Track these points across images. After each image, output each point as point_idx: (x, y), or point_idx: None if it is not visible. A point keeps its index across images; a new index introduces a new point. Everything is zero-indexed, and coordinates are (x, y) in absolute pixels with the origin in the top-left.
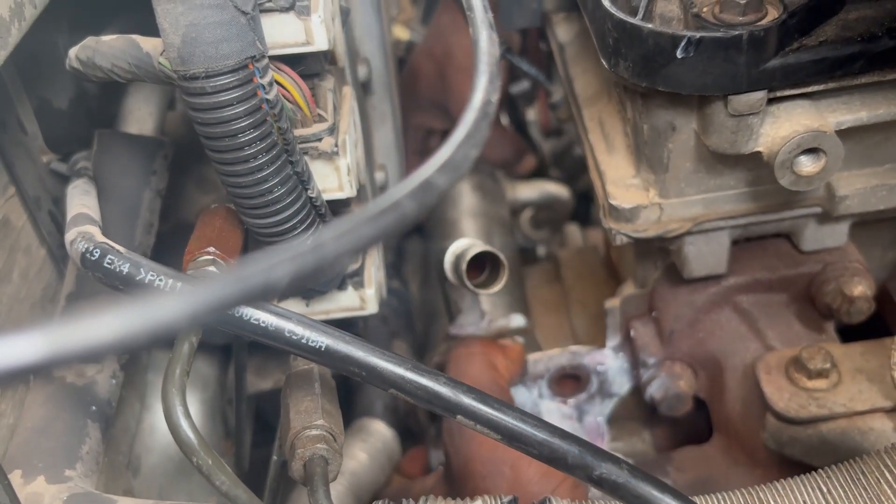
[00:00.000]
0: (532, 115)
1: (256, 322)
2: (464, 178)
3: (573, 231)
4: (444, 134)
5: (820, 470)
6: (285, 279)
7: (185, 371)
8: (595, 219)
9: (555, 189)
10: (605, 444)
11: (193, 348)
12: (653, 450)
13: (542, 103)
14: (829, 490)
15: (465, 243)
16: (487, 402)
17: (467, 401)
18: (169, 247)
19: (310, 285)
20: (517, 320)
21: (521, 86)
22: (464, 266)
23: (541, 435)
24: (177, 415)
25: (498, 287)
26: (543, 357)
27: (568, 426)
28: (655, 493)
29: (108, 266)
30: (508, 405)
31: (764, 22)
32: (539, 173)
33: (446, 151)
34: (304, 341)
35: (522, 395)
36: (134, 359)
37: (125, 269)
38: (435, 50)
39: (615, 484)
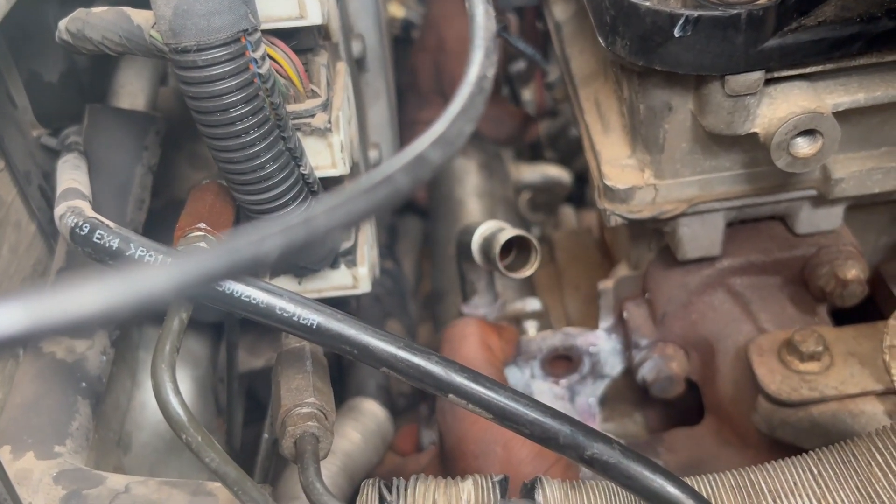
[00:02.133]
0: (528, 95)
1: (248, 299)
2: (470, 157)
3: (567, 213)
4: None
5: (811, 452)
6: (275, 252)
7: (175, 347)
8: (589, 201)
9: (556, 173)
10: (596, 425)
11: (184, 324)
12: (644, 431)
13: (537, 83)
14: (819, 472)
15: (494, 226)
16: (479, 381)
17: (459, 380)
18: (160, 223)
19: (302, 262)
20: (533, 304)
21: (517, 66)
22: (497, 250)
23: (532, 414)
24: (166, 391)
25: (531, 271)
26: (536, 338)
27: (560, 407)
28: (647, 474)
29: (98, 241)
30: (500, 384)
31: (763, 1)
32: (534, 154)
33: (441, 126)
34: (295, 319)
35: (515, 376)
36: (125, 335)
37: (115, 244)
38: (429, 42)
39: (606, 464)
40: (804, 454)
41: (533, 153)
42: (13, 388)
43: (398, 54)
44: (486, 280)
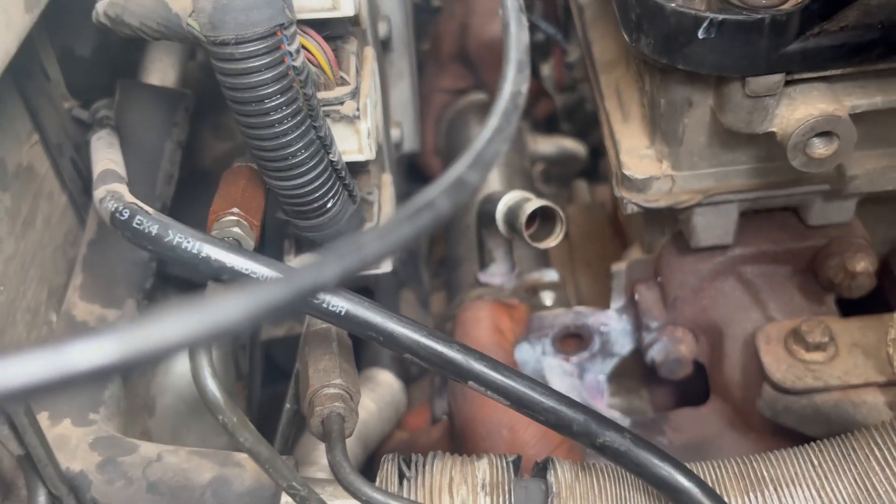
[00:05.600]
0: (546, 70)
1: None
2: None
3: (581, 187)
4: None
5: (812, 443)
6: (334, 280)
7: None
8: (603, 175)
9: (572, 146)
10: (604, 401)
11: None
12: (649, 407)
13: (557, 60)
14: (820, 463)
15: (519, 195)
16: (498, 369)
17: (479, 367)
18: (185, 193)
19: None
20: (550, 275)
21: (535, 37)
22: (523, 219)
23: (548, 402)
24: (204, 375)
25: (556, 241)
26: (548, 315)
27: (569, 383)
28: (656, 462)
29: (137, 226)
30: (518, 373)
31: (787, 6)
32: (550, 127)
33: (477, 147)
34: (325, 305)
35: (526, 352)
36: (150, 304)
37: (154, 230)
38: (456, 9)
39: (617, 451)
40: (806, 445)
41: (549, 126)
42: None
43: (418, 24)
44: (505, 249)
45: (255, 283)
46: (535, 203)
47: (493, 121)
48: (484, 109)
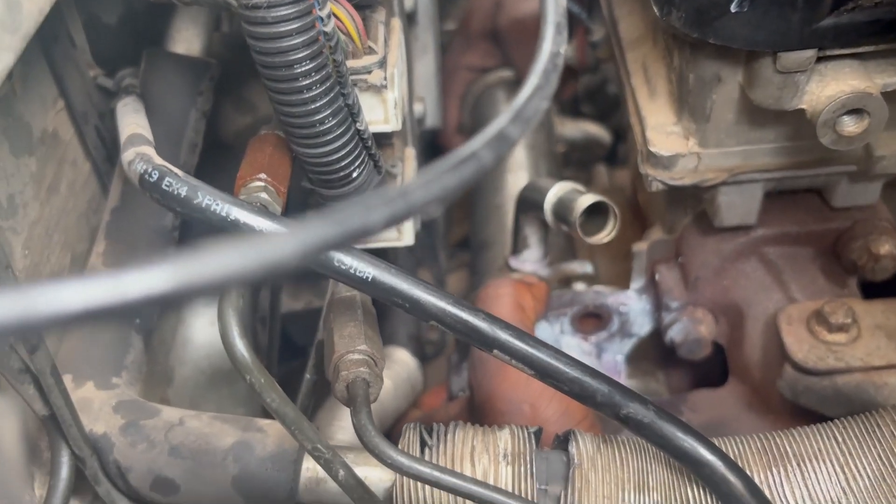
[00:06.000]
0: (569, 51)
1: None
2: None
3: (600, 172)
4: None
5: (836, 420)
6: (381, 223)
7: (240, 293)
8: (622, 159)
9: (596, 131)
10: (621, 382)
11: None
12: (666, 389)
13: (579, 40)
14: (843, 440)
15: (569, 187)
16: (523, 338)
17: (504, 336)
18: (205, 166)
19: None
20: (585, 267)
21: None
22: (577, 214)
23: (573, 373)
24: (233, 335)
25: (609, 237)
26: (568, 294)
27: (586, 362)
28: (679, 434)
29: (166, 188)
30: (543, 343)
31: None
32: (572, 108)
33: (518, 103)
34: (352, 271)
35: (545, 331)
36: None
37: (183, 192)
38: None
39: (641, 423)
40: (829, 422)
41: (571, 108)
42: None
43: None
44: (540, 236)
45: (306, 223)
46: (590, 198)
47: (533, 79)
48: (512, 86)
